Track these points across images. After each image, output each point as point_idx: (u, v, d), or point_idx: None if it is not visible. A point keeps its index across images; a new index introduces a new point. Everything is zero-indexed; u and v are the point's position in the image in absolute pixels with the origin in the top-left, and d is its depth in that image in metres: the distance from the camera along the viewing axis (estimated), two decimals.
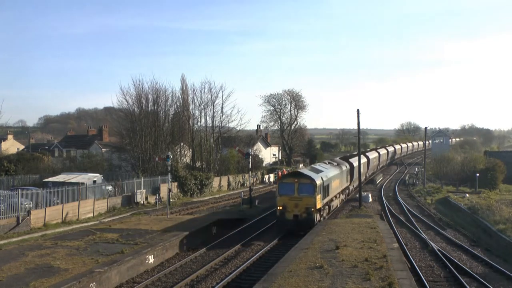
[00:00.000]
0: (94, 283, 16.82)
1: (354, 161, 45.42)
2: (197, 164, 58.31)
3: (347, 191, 44.07)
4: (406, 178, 67.95)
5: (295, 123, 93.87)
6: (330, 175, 32.51)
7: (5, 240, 24.41)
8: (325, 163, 37.62)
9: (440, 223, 35.83)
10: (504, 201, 41.30)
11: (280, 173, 57.71)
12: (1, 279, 16.28)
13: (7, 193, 29.36)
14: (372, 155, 65.60)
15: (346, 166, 41.83)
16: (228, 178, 56.74)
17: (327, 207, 31.63)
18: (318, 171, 30.99)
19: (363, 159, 51.87)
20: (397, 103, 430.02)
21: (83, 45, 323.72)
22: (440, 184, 59.43)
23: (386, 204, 42.58)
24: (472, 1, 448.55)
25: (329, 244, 21.23)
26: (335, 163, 39.16)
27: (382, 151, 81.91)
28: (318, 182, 27.87)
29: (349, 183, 43.94)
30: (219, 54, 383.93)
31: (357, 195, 40.88)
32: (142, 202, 39.60)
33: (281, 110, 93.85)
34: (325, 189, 29.85)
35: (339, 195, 37.92)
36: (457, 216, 39.32)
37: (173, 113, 58.55)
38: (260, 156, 73.67)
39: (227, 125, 62.54)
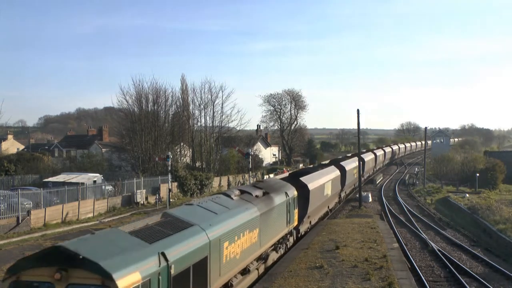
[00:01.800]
0: None
1: (312, 179, 26.44)
2: (197, 164, 58.34)
3: (284, 244, 20.78)
4: (406, 178, 67.95)
5: (295, 123, 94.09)
6: (214, 233, 12.06)
7: (5, 240, 24.41)
8: (229, 196, 15.86)
9: (440, 223, 35.83)
10: (504, 201, 41.32)
11: (280, 172, 57.63)
12: (1, 279, 16.30)
13: (7, 193, 29.39)
14: (349, 165, 42.63)
15: (288, 195, 20.65)
16: (228, 178, 56.73)
17: None
18: (166, 230, 10.63)
19: (332, 174, 34.19)
20: (397, 103, 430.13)
21: (83, 45, 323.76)
22: (440, 184, 59.41)
23: (386, 204, 42.57)
24: (471, 1, 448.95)
25: (329, 244, 21.23)
26: (258, 192, 17.67)
27: (368, 157, 60.81)
28: (130, 280, 8.03)
29: (295, 223, 22.41)
30: (219, 54, 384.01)
31: (357, 195, 40.93)
32: (142, 202, 39.59)
33: (281, 110, 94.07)
34: (182, 281, 10.01)
35: (254, 265, 16.03)
36: (457, 216, 39.32)
37: (173, 113, 58.68)
38: (260, 156, 73.71)
39: (227, 125, 62.74)
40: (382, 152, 79.79)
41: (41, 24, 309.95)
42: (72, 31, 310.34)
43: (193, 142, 59.02)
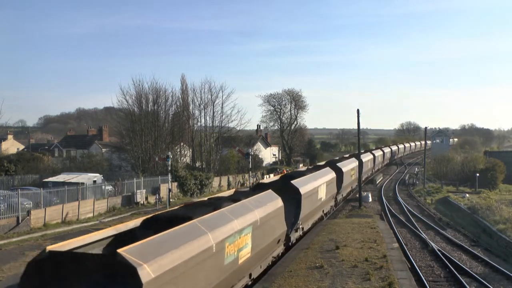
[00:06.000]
0: None
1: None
2: (197, 164, 58.36)
3: None
4: (406, 178, 67.93)
5: (295, 123, 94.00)
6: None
7: (5, 240, 24.42)
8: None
9: (440, 223, 35.82)
10: (504, 201, 41.30)
11: (279, 173, 57.50)
12: (1, 279, 16.32)
13: (7, 193, 29.40)
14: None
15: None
16: (228, 178, 56.74)
17: None
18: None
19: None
20: (397, 103, 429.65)
21: (83, 45, 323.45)
22: (440, 184, 59.41)
23: (386, 204, 42.56)
24: (470, 1, 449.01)
25: (329, 244, 21.23)
26: None
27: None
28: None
29: None
30: (219, 54, 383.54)
31: (357, 195, 40.91)
32: (142, 202, 39.59)
33: (281, 110, 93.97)
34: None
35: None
36: (457, 216, 39.33)
37: (173, 113, 58.70)
38: (260, 156, 73.72)
39: (227, 125, 62.77)
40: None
41: (41, 24, 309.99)
42: (72, 31, 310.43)
43: (193, 142, 59.04)
